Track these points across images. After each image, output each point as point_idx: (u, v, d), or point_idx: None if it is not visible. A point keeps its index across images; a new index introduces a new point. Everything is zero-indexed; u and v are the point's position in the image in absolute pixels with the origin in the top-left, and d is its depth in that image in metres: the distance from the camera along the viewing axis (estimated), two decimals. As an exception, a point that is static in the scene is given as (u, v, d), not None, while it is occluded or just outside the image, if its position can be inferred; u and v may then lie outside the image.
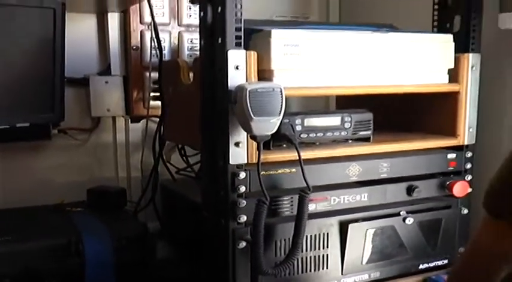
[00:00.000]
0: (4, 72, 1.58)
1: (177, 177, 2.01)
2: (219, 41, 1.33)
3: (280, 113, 1.28)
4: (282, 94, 1.28)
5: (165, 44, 2.05)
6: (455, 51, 1.57)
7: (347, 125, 1.47)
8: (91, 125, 2.10)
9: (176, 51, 2.06)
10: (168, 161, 2.01)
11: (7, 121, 1.64)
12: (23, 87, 1.63)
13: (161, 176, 1.99)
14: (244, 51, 1.32)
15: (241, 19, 1.32)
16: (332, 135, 1.46)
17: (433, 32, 1.73)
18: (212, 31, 1.36)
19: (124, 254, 1.60)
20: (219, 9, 1.32)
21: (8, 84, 1.61)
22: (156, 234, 1.95)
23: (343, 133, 1.47)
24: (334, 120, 1.45)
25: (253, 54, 1.33)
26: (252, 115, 1.25)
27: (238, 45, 1.32)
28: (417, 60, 1.50)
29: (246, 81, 1.33)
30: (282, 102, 1.28)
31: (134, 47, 2.03)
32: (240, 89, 1.27)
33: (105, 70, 2.07)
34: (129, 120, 2.10)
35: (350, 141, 1.51)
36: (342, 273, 1.52)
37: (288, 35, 1.36)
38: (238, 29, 1.32)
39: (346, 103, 1.78)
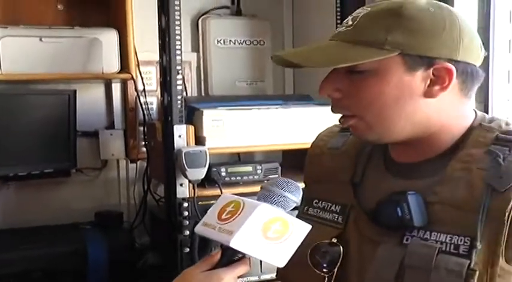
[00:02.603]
0: (34, 137, 2.39)
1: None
2: (169, 119, 2.09)
3: (205, 165, 2.03)
4: (206, 154, 2.03)
5: (153, 106, 2.80)
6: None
7: (259, 171, 2.21)
8: (100, 166, 2.83)
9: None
10: (155, 192, 2.75)
11: (38, 168, 2.44)
12: (48, 145, 2.42)
13: (151, 202, 2.73)
14: (185, 125, 2.08)
15: (183, 105, 2.07)
16: (248, 178, 2.20)
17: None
18: (166, 112, 2.12)
19: (116, 258, 2.35)
20: (170, 98, 2.08)
21: (37, 145, 2.41)
22: (147, 245, 2.71)
23: (255, 177, 2.21)
24: (248, 168, 2.19)
25: (190, 128, 2.09)
26: (186, 167, 2.00)
27: (180, 121, 2.07)
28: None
29: (186, 145, 2.07)
30: (206, 158, 2.03)
31: (131, 108, 2.78)
32: (179, 151, 2.03)
33: (110, 125, 2.82)
34: (129, 162, 2.85)
35: (265, 182, 2.24)
36: (261, 271, 2.23)
37: (214, 113, 2.12)
38: (180, 111, 2.07)
39: (290, 155, 2.49)
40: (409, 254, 0.97)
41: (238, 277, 1.00)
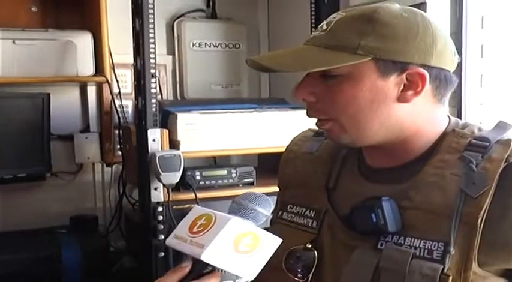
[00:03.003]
0: (8, 141, 2.36)
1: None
2: (143, 122, 2.08)
3: (179, 169, 2.02)
4: (180, 157, 2.02)
5: (129, 109, 2.79)
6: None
7: (234, 175, 2.21)
8: (76, 169, 2.81)
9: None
10: (130, 195, 2.73)
11: (12, 172, 2.42)
12: (22, 149, 2.40)
13: (126, 206, 2.72)
14: (159, 129, 2.07)
15: (157, 108, 2.06)
16: (222, 182, 2.19)
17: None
18: (140, 115, 2.11)
19: (91, 262, 2.34)
20: (144, 101, 2.07)
21: (11, 148, 2.38)
22: (123, 249, 2.69)
23: (230, 180, 2.21)
24: (223, 172, 2.19)
25: (165, 131, 2.08)
26: (160, 171, 1.99)
27: (155, 125, 2.07)
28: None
29: (161, 149, 2.07)
30: (181, 162, 2.02)
31: (106, 112, 2.77)
32: (154, 155, 2.02)
33: (86, 128, 2.80)
34: (104, 165, 2.83)
35: (240, 185, 2.24)
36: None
37: (189, 117, 2.12)
38: (154, 115, 2.06)
39: (266, 158, 2.49)
40: (384, 259, 0.98)
41: None
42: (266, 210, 1.01)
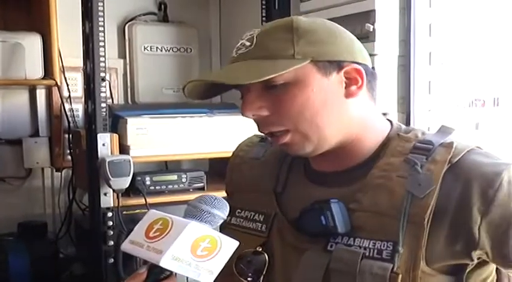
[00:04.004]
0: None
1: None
2: (93, 127, 2.05)
3: (129, 174, 2.00)
4: (130, 162, 2.00)
5: (79, 113, 2.74)
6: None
7: (184, 180, 2.19)
8: (24, 174, 2.76)
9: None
10: (80, 201, 2.69)
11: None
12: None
13: (76, 212, 2.67)
14: (109, 133, 2.04)
15: (107, 113, 2.04)
16: (173, 187, 2.18)
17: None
18: (90, 120, 2.08)
19: (40, 269, 2.29)
20: (94, 105, 2.04)
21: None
22: (73, 256, 2.65)
23: (181, 185, 2.19)
24: (173, 177, 2.17)
25: (115, 136, 2.05)
26: (110, 176, 1.97)
27: (105, 130, 2.04)
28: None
29: (110, 154, 2.04)
30: (130, 167, 2.00)
31: (56, 116, 2.72)
32: (103, 160, 1.99)
33: (35, 133, 2.74)
34: (54, 170, 2.78)
35: (191, 190, 2.23)
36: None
37: (139, 121, 2.10)
38: (104, 119, 2.04)
39: (217, 163, 2.48)
40: (334, 260, 0.99)
41: None
42: (223, 213, 1.00)
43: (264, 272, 1.08)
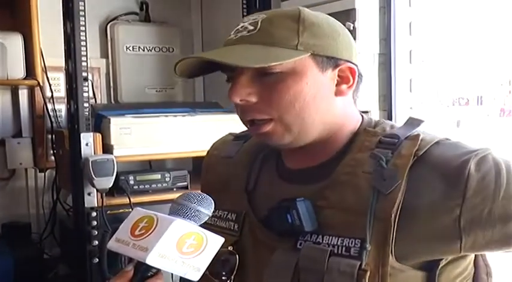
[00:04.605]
0: None
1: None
2: (76, 126, 2.05)
3: (113, 174, 2.00)
4: (114, 162, 2.00)
5: (62, 113, 2.73)
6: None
7: (167, 179, 2.20)
8: (8, 175, 2.75)
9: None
10: (64, 201, 2.69)
11: None
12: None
13: (61, 212, 2.67)
14: (92, 133, 2.04)
15: (90, 112, 2.04)
16: (156, 186, 2.19)
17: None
18: (73, 119, 2.08)
19: (24, 270, 2.29)
20: (76, 105, 2.04)
21: None
22: (57, 257, 2.64)
23: (164, 184, 2.20)
24: (156, 176, 2.18)
25: (98, 136, 2.06)
26: (93, 176, 1.97)
27: (87, 129, 2.04)
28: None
29: (94, 154, 2.04)
30: (114, 167, 2.00)
31: (39, 116, 2.71)
32: (86, 160, 1.99)
33: (18, 133, 2.73)
34: (37, 171, 2.77)
35: (174, 189, 2.24)
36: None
37: (122, 121, 2.10)
38: (87, 119, 2.04)
39: (200, 162, 2.48)
40: (302, 258, 0.99)
41: None
42: (208, 210, 1.00)
43: (235, 271, 1.09)
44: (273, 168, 1.15)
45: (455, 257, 1.00)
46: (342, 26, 1.07)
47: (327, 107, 1.03)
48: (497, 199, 0.94)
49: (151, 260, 0.91)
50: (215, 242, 0.98)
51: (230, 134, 1.28)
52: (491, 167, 0.95)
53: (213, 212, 1.12)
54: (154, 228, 0.95)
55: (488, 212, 0.93)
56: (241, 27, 1.03)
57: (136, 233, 0.96)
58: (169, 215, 0.98)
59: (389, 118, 2.05)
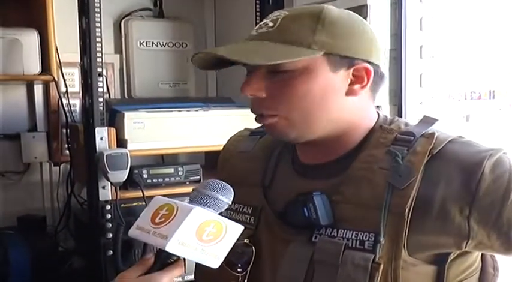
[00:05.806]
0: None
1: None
2: (91, 121, 2.08)
3: (127, 168, 2.03)
4: (128, 156, 2.03)
5: (77, 108, 2.77)
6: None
7: (180, 173, 2.23)
8: (23, 169, 2.78)
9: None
10: (78, 195, 2.72)
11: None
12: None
13: (75, 205, 2.71)
14: (106, 128, 2.08)
15: (104, 107, 2.07)
16: (169, 180, 2.21)
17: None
18: (87, 114, 2.11)
19: (40, 263, 2.32)
20: (91, 100, 2.07)
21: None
22: (72, 249, 2.68)
23: (177, 178, 2.23)
24: (170, 170, 2.21)
25: (112, 130, 2.09)
26: (108, 170, 2.00)
27: (102, 124, 2.07)
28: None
29: (108, 148, 2.07)
30: (128, 161, 2.03)
31: (53, 111, 2.75)
32: (101, 154, 2.02)
33: (33, 127, 2.77)
34: (52, 165, 2.81)
35: (187, 183, 2.27)
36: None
37: (136, 115, 2.13)
38: (101, 114, 2.07)
39: (212, 156, 2.50)
40: (318, 251, 1.02)
41: None
42: (227, 198, 1.02)
43: (251, 264, 1.11)
44: (289, 164, 1.17)
45: (462, 252, 1.02)
46: (366, 25, 1.07)
47: (335, 106, 1.04)
48: (506, 203, 0.95)
49: (171, 247, 0.93)
50: (235, 230, 0.99)
51: (246, 129, 1.31)
52: (506, 170, 0.97)
53: (229, 205, 1.15)
54: (175, 216, 0.96)
55: (497, 215, 0.95)
56: (264, 23, 1.06)
57: (157, 220, 0.97)
58: (189, 203, 0.99)
59: (400, 113, 2.06)
